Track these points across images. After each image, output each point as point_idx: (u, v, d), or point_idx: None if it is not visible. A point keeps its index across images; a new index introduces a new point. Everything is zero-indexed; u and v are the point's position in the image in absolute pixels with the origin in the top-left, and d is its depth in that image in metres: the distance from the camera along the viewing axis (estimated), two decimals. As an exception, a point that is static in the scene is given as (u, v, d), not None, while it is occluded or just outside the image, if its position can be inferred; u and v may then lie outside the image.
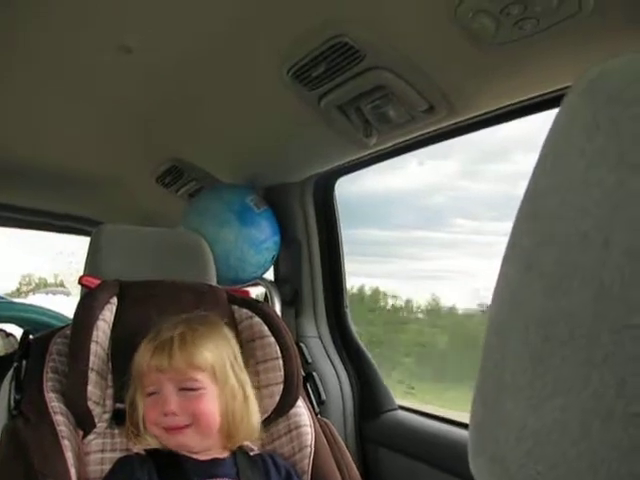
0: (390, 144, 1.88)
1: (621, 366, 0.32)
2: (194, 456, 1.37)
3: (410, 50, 1.49)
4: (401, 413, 2.16)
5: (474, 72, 1.47)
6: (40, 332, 1.61)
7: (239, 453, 1.44)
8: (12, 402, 1.41)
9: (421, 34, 1.43)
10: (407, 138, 1.83)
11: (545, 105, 1.49)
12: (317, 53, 1.58)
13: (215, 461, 1.39)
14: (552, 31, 1.24)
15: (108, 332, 1.49)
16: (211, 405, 1.36)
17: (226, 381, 1.39)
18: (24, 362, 1.47)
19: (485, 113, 1.62)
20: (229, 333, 1.47)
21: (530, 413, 0.36)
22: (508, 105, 1.56)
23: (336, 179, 2.32)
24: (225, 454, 1.42)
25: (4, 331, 3.24)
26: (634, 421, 0.31)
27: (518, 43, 1.30)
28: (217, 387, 1.37)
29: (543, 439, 0.35)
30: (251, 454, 1.46)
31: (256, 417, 1.44)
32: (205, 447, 1.38)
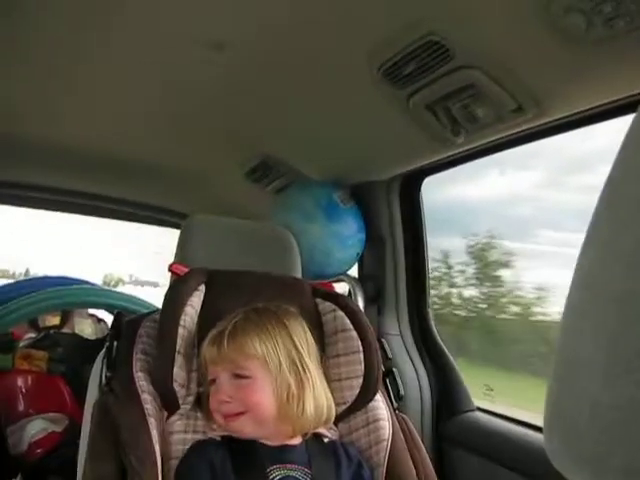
0: (477, 144, 1.87)
1: None
2: (265, 442, 1.40)
3: (499, 49, 1.49)
4: (479, 414, 2.14)
5: (564, 72, 1.45)
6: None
7: (311, 440, 1.46)
8: (103, 379, 1.47)
9: (511, 32, 1.43)
10: (495, 138, 1.81)
11: (636, 106, 1.44)
12: (407, 52, 1.59)
13: (286, 447, 1.41)
14: (645, 30, 1.21)
15: (195, 318, 1.53)
16: (262, 393, 1.37)
17: (279, 370, 1.39)
18: (115, 342, 1.54)
19: (574, 114, 1.60)
20: (294, 322, 1.48)
21: (605, 390, 0.37)
22: (598, 106, 1.53)
23: (423, 179, 2.32)
24: (296, 441, 1.44)
25: (96, 316, 3.36)
26: None
27: (610, 42, 1.28)
28: (270, 376, 1.38)
29: (616, 416, 0.36)
30: (325, 441, 1.48)
31: (319, 407, 1.43)
32: (265, 434, 1.40)
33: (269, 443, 1.40)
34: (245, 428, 1.38)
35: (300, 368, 1.43)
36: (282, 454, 1.39)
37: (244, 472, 1.35)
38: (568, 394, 0.40)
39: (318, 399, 1.44)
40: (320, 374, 1.48)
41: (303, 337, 1.47)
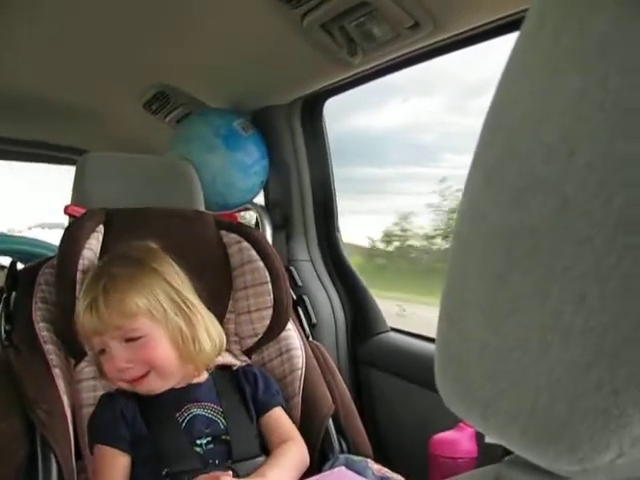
0: (376, 63, 1.83)
1: (580, 280, 0.31)
2: (172, 387, 1.38)
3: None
4: (393, 335, 2.17)
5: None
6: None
7: (218, 374, 1.45)
8: (3, 333, 1.41)
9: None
10: (393, 57, 1.77)
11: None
12: (297, -31, 1.54)
13: (191, 387, 1.40)
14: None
15: (95, 261, 1.48)
16: (161, 347, 1.34)
17: (167, 318, 1.35)
18: (13, 293, 1.48)
19: (472, 29, 1.57)
20: (162, 262, 1.42)
21: (491, 331, 0.35)
22: (495, 20, 1.50)
23: (324, 101, 2.28)
24: (202, 378, 1.43)
25: (-1, 264, 3.24)
26: (591, 336, 0.31)
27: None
28: (160, 326, 1.34)
29: (504, 358, 0.35)
30: (234, 369, 1.48)
31: (212, 337, 1.41)
32: (173, 383, 1.37)
33: (176, 386, 1.38)
34: (154, 386, 1.35)
35: (185, 307, 1.39)
36: (189, 394, 1.38)
37: (155, 422, 1.34)
38: (456, 336, 0.39)
39: (210, 330, 1.41)
40: (200, 303, 1.44)
41: (174, 274, 1.42)
